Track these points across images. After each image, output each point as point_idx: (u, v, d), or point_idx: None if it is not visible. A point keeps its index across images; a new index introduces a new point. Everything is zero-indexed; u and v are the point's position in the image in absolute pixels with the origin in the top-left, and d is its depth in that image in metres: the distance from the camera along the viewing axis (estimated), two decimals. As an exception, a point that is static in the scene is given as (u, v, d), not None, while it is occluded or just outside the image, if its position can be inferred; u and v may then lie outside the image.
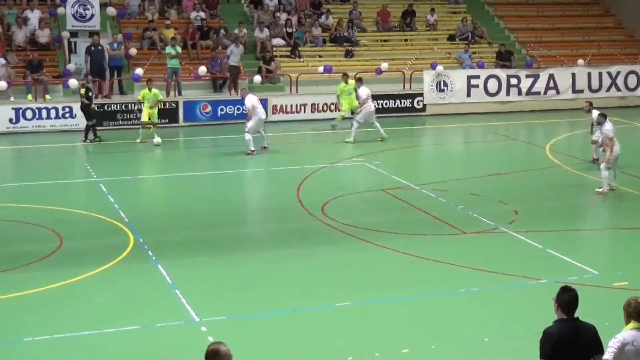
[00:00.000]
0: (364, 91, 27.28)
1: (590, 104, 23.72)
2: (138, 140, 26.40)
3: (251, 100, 24.86)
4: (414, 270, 15.52)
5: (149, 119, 26.43)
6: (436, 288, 14.53)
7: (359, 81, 27.80)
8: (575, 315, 8.15)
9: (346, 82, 28.29)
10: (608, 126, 20.41)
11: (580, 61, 35.05)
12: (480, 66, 33.99)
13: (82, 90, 26.44)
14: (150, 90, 26.51)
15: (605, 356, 8.05)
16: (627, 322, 8.31)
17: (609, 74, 34.98)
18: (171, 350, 12.03)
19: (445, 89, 32.85)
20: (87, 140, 26.50)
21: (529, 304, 13.35)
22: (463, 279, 14.98)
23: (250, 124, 24.87)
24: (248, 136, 24.77)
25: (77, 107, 27.87)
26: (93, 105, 26.63)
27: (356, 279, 15.06)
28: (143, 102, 26.53)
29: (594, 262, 15.53)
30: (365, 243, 16.78)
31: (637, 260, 16.26)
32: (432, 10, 36.90)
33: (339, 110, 28.83)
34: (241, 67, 31.40)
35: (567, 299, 8.13)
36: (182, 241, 17.11)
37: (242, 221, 18.71)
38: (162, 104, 27.64)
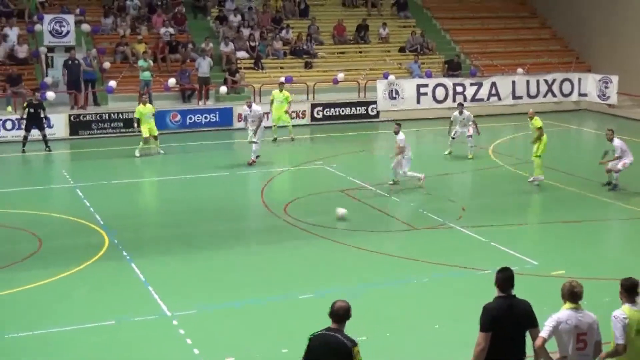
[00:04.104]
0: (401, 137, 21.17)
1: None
2: (137, 154, 25.23)
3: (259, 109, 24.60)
4: (370, 263, 15.57)
5: (149, 134, 25.44)
6: (389, 279, 14.61)
7: (398, 126, 21.22)
8: (513, 293, 8.45)
9: (280, 91, 28.21)
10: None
11: (520, 70, 35.34)
12: (429, 75, 34.15)
13: (25, 104, 25.88)
14: (145, 104, 25.64)
15: (542, 334, 8.35)
16: (564, 303, 8.53)
17: (546, 81, 35.31)
18: (145, 343, 11.97)
19: (397, 96, 32.95)
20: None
21: (475, 292, 13.36)
22: (414, 270, 15.06)
23: (260, 133, 24.11)
24: (257, 146, 23.98)
25: (55, 118, 27.66)
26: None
27: (316, 273, 15.09)
28: (139, 119, 25.38)
29: (533, 253, 15.71)
30: (324, 240, 16.78)
31: (572, 249, 16.50)
32: (384, 24, 37.01)
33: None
34: (209, 78, 31.34)
35: (502, 277, 8.51)
36: (154, 240, 17.01)
37: (210, 220, 18.54)
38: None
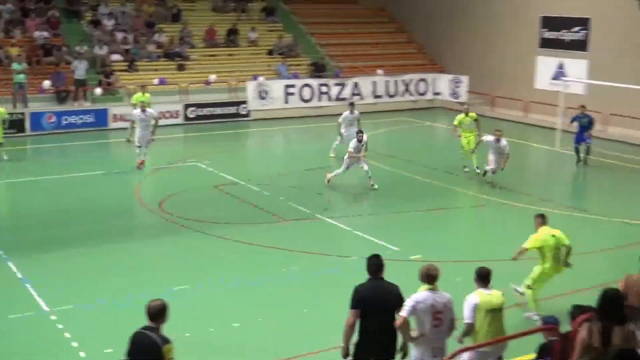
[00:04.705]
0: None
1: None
2: None
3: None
4: (241, 254, 15.62)
5: None
6: (262, 269, 14.70)
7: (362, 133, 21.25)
8: (382, 277, 8.94)
9: (143, 94, 26.76)
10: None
11: (379, 71, 36.09)
12: (296, 76, 34.44)
13: None
14: None
15: (402, 313, 8.71)
16: (421, 285, 8.94)
17: (403, 81, 36.19)
18: (24, 338, 11.67)
19: (266, 96, 33.08)
20: None
21: (342, 278, 13.65)
22: (285, 260, 15.21)
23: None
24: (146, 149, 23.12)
25: None
26: None
27: (193, 265, 15.03)
28: None
29: (394, 240, 16.12)
30: (199, 233, 16.74)
31: (428, 235, 17.08)
32: (253, 28, 37.00)
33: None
34: (86, 80, 30.53)
35: (370, 263, 9.06)
36: (31, 239, 16.48)
37: (87, 218, 18.09)
38: (9, 116, 25.78)
